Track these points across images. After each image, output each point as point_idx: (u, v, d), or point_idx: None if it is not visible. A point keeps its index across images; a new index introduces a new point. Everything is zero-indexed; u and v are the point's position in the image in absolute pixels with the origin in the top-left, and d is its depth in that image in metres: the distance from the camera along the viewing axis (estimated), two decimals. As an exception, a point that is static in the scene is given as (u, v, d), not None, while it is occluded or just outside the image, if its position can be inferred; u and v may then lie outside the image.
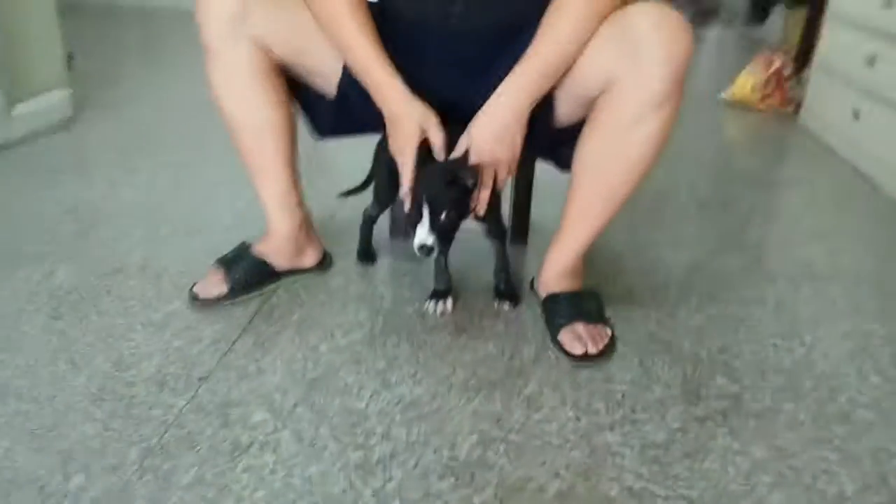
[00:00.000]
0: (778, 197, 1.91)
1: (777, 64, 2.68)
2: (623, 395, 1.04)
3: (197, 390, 1.01)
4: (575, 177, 1.14)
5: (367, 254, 1.39)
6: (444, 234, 1.02)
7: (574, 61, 1.05)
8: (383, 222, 1.45)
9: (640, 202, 1.77)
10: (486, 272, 1.31)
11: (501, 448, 0.93)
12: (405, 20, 1.14)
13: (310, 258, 1.32)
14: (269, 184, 1.23)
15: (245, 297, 1.23)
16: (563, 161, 1.19)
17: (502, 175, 1.07)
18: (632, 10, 1.02)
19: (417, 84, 1.07)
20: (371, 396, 1.01)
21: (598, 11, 1.02)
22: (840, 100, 2.20)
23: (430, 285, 1.26)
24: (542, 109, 1.13)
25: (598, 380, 1.07)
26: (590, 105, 1.09)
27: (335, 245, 1.41)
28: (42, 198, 1.62)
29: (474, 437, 0.94)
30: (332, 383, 1.04)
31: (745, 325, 1.24)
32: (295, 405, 0.99)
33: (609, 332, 1.15)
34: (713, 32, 4.61)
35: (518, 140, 1.06)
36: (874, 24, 2.03)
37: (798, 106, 2.67)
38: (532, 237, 1.50)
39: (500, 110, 1.03)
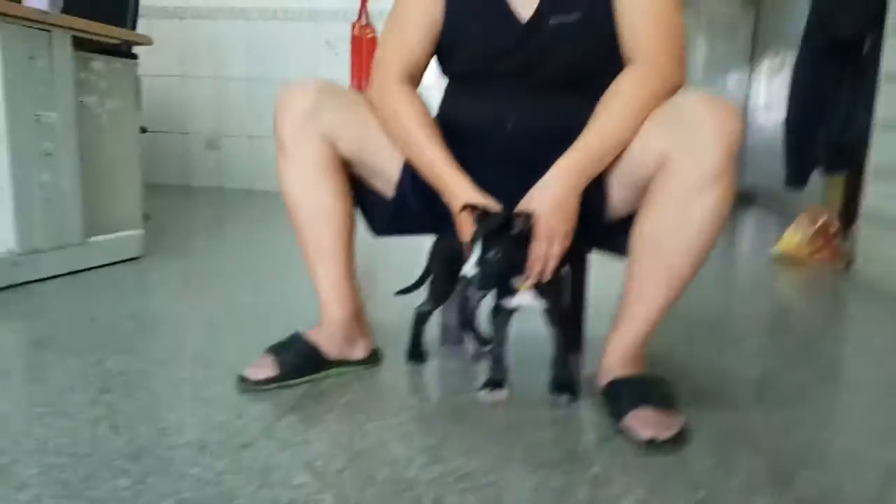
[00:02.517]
0: (842, 326, 1.83)
1: (823, 218, 2.70)
2: (701, 481, 0.93)
3: (238, 455, 0.94)
4: (633, 256, 1.13)
5: (417, 353, 1.35)
6: (489, 273, 1.03)
7: (627, 142, 1.09)
8: (434, 331, 1.43)
9: (698, 323, 1.72)
10: (543, 371, 1.26)
11: (568, 519, 0.82)
12: (465, 128, 1.22)
13: (360, 350, 1.29)
14: (326, 269, 1.25)
15: (294, 381, 1.19)
16: (620, 248, 1.19)
17: (557, 248, 1.07)
18: (682, 94, 1.08)
19: (478, 184, 1.13)
20: (421, 467, 0.93)
21: (650, 95, 1.08)
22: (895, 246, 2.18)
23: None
24: (596, 198, 1.16)
25: (672, 465, 0.97)
26: (643, 190, 1.11)
27: (385, 345, 1.39)
28: (105, 308, 1.67)
29: (536, 509, 0.84)
30: (379, 455, 0.96)
31: (831, 425, 1.13)
32: (339, 471, 0.91)
33: (682, 419, 1.06)
34: (752, 212, 4.74)
35: (574, 214, 1.08)
36: (919, 168, 2.07)
37: (849, 262, 2.64)
38: (587, 349, 1.44)
39: (555, 182, 1.06)
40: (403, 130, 1.18)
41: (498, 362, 1.19)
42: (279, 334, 1.26)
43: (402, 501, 0.84)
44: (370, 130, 1.23)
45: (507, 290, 1.13)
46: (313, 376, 1.22)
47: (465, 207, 1.07)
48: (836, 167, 2.94)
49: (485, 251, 1.03)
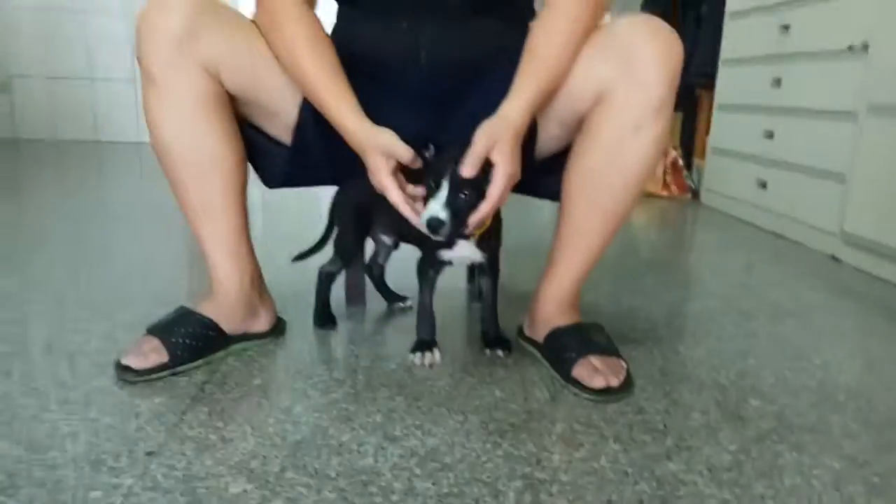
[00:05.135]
0: (717, 257, 1.94)
1: (673, 154, 2.86)
2: (665, 425, 0.90)
3: (147, 466, 0.76)
4: (567, 197, 1.05)
5: (326, 317, 1.20)
6: (456, 217, 0.88)
7: (568, 74, 0.99)
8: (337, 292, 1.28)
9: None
10: (464, 326, 1.17)
11: (555, 489, 0.75)
12: (368, 61, 1.06)
13: (263, 321, 1.12)
14: (216, 230, 1.05)
15: (188, 367, 1.00)
16: (547, 191, 1.11)
17: (507, 192, 0.96)
18: (619, 22, 1.00)
19: (390, 121, 0.97)
20: (377, 452, 0.81)
21: (589, 18, 0.99)
22: (743, 175, 2.35)
23: (407, 344, 1.09)
24: (527, 136, 1.06)
25: (629, 412, 0.93)
26: (575, 127, 1.04)
27: (283, 313, 1.22)
28: None
29: (518, 483, 0.76)
30: (322, 443, 0.82)
31: (750, 355, 1.16)
32: (281, 471, 0.76)
33: (624, 364, 1.02)
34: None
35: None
36: (766, 104, 2.22)
37: (696, 193, 2.83)
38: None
39: (515, 119, 0.93)
40: (290, 55, 0.98)
41: (426, 318, 1.08)
42: (144, 308, 1.05)
43: (369, 497, 0.72)
44: (261, 61, 1.02)
45: (447, 241, 1.01)
46: (211, 357, 1.03)
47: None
48: (680, 105, 3.11)
49: (453, 188, 0.88)
